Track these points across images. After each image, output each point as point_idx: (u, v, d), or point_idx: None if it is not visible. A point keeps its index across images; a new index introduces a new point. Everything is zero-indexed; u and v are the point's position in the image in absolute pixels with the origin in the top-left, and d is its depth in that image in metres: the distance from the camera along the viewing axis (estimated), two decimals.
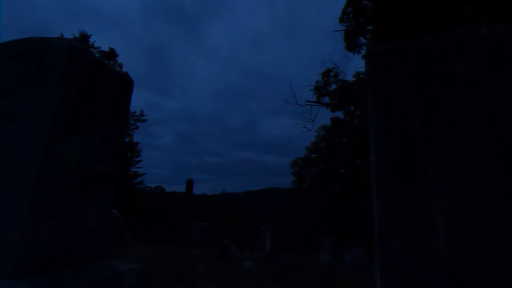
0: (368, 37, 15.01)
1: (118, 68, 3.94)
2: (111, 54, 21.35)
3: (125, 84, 1.82)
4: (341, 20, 16.15)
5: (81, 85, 1.46)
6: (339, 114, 20.95)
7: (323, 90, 18.99)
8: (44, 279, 1.23)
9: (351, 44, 16.35)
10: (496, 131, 1.06)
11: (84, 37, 20.15)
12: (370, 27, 13.95)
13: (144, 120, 24.16)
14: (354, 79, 18.12)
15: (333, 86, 18.95)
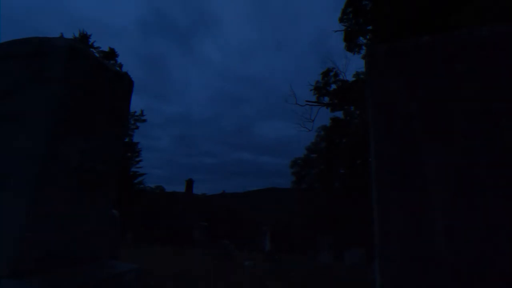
0: (368, 37, 15.01)
1: (118, 68, 3.94)
2: (111, 54, 21.33)
3: (125, 84, 1.82)
4: (341, 20, 16.15)
5: (81, 85, 1.46)
6: (339, 114, 20.97)
7: (323, 90, 18.99)
8: (44, 279, 1.23)
9: (351, 44, 16.35)
10: (496, 131, 1.06)
11: (84, 37, 20.13)
12: (370, 27, 13.95)
13: (144, 120, 24.14)
14: (354, 79, 18.12)
15: (333, 86, 18.96)
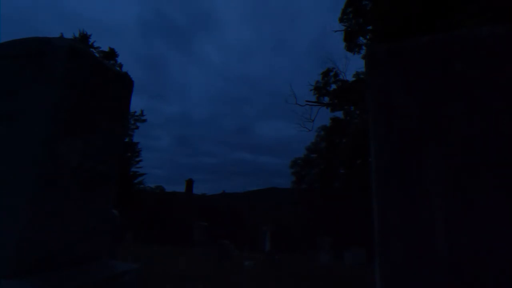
0: (368, 37, 15.01)
1: (118, 68, 3.94)
2: (111, 54, 21.34)
3: (125, 84, 1.82)
4: (341, 20, 16.16)
5: (81, 85, 1.46)
6: (339, 114, 20.98)
7: (323, 90, 19.01)
8: (44, 279, 1.23)
9: (351, 44, 16.37)
10: (497, 131, 1.06)
11: (84, 37, 20.14)
12: (370, 27, 13.96)
13: (144, 120, 24.18)
14: (354, 79, 18.13)
15: (333, 86, 18.98)
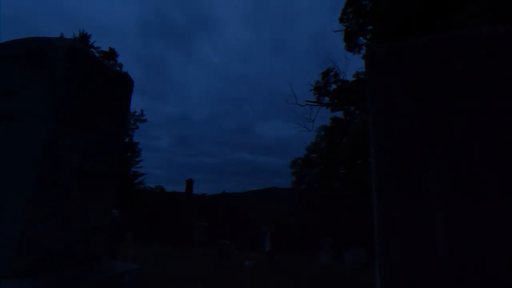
0: (368, 37, 15.02)
1: (118, 68, 3.94)
2: (111, 54, 21.34)
3: (125, 84, 1.82)
4: (341, 20, 16.17)
5: (81, 85, 1.46)
6: (339, 114, 20.99)
7: (323, 90, 19.02)
8: (44, 279, 1.23)
9: (351, 44, 16.38)
10: (497, 131, 1.06)
11: (84, 37, 20.14)
12: (370, 27, 13.96)
13: (144, 120, 24.19)
14: (354, 79, 18.14)
15: (333, 86, 18.99)
